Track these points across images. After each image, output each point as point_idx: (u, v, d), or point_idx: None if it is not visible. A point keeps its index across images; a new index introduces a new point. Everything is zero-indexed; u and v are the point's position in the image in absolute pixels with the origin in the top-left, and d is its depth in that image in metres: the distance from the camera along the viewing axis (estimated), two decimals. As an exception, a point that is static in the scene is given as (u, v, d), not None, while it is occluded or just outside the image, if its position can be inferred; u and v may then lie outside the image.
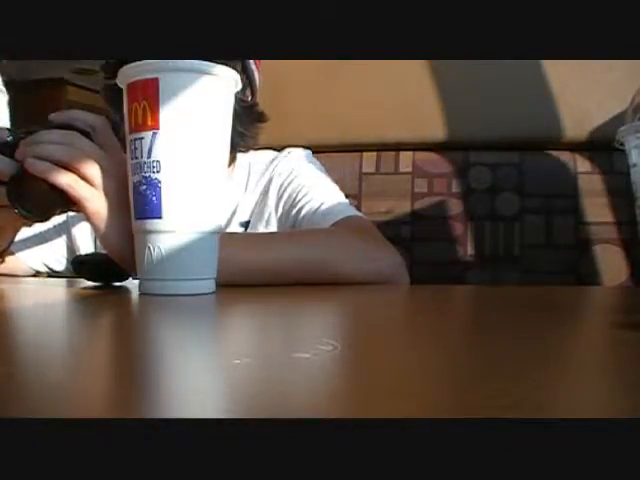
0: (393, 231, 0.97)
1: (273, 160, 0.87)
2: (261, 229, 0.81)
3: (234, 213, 0.83)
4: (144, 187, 0.48)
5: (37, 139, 0.52)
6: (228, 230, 0.80)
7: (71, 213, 0.75)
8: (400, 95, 1.03)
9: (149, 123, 0.47)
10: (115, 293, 0.54)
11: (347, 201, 0.82)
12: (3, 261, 0.67)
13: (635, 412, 0.16)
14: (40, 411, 0.17)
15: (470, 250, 1.00)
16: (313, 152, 0.91)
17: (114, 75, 0.51)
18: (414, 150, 1.04)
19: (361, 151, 1.06)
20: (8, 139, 0.52)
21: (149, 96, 0.47)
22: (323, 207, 0.76)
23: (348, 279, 0.63)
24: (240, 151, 0.81)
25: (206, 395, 0.19)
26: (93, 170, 0.51)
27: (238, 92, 0.53)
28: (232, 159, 0.83)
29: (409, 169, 1.03)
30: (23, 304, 0.49)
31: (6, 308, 0.44)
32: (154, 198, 0.48)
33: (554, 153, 1.00)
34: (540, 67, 0.99)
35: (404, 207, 1.02)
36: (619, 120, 0.97)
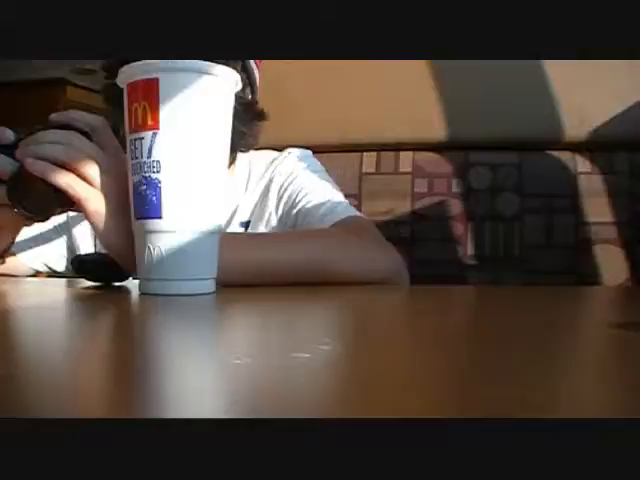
0: (393, 231, 0.97)
1: (273, 160, 0.87)
2: (261, 229, 0.81)
3: (234, 213, 0.83)
4: (144, 187, 0.48)
5: (37, 139, 0.52)
6: (228, 230, 0.80)
7: (71, 213, 0.75)
8: (400, 95, 1.03)
9: (149, 123, 0.47)
10: (115, 293, 0.54)
11: (347, 201, 0.82)
12: (4, 262, 0.67)
13: (635, 412, 0.16)
14: (40, 411, 0.17)
15: (470, 250, 1.00)
16: (313, 152, 0.91)
17: (114, 75, 0.51)
18: (414, 150, 1.04)
19: (361, 151, 1.06)
20: (12, 139, 0.52)
21: (149, 96, 0.47)
22: (323, 207, 0.76)
23: (348, 280, 0.63)
24: (240, 151, 0.81)
25: (206, 395, 0.19)
26: (92, 170, 0.51)
27: (238, 91, 0.53)
28: (232, 159, 0.83)
29: (409, 169, 1.03)
30: (23, 304, 0.49)
31: (6, 308, 0.44)
32: (154, 198, 0.48)
33: (554, 153, 1.00)
34: (540, 67, 0.99)
35: (404, 207, 1.02)
36: (619, 120, 0.97)
